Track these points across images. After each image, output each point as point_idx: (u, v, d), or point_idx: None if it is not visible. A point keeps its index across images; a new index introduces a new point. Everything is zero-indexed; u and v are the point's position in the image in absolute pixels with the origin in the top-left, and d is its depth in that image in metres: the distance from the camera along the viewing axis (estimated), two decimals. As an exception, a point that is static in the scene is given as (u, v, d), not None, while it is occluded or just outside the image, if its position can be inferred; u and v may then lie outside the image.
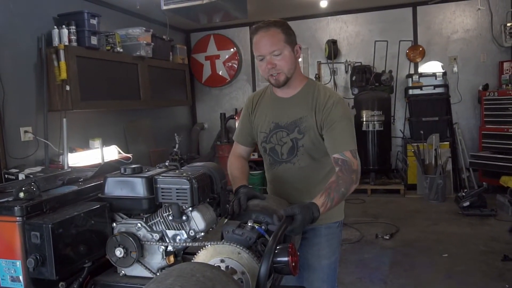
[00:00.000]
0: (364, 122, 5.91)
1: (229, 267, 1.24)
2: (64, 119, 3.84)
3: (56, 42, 3.91)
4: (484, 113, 5.59)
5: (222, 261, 1.25)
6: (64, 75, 3.87)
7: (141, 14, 5.53)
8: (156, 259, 1.43)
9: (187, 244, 1.42)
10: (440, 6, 6.03)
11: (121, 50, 4.59)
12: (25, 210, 1.26)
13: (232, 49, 6.87)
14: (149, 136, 5.86)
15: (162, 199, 1.41)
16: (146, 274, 1.42)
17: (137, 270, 1.43)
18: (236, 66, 6.88)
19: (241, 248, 1.26)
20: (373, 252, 3.91)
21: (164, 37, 5.49)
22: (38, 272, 1.24)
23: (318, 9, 6.02)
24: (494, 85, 5.80)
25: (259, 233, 1.38)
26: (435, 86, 5.84)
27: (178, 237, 1.43)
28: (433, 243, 4.04)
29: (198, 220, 1.41)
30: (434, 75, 5.86)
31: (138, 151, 5.28)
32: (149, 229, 1.43)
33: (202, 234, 1.42)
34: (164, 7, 3.72)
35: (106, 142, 4.42)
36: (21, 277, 1.26)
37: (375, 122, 5.86)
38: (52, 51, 3.91)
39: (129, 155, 4.48)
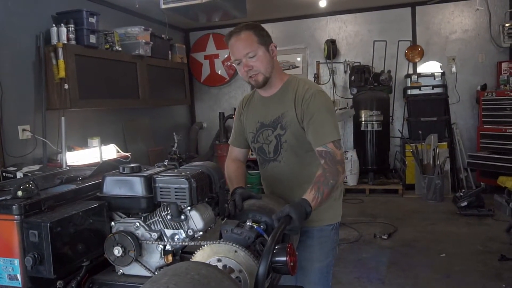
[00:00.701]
0: (363, 122, 5.93)
1: (227, 266, 1.24)
2: (63, 118, 3.84)
3: (54, 40, 3.90)
4: (482, 113, 5.60)
5: (219, 260, 1.25)
6: (62, 73, 3.86)
7: (140, 13, 5.53)
8: (155, 258, 1.43)
9: (186, 243, 1.43)
10: (439, 6, 6.04)
11: (120, 49, 4.58)
12: (23, 209, 1.26)
13: (231, 49, 6.85)
14: (148, 135, 5.85)
15: (161, 198, 1.41)
16: (145, 273, 1.42)
17: (135, 269, 1.43)
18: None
19: (237, 246, 1.26)
20: (371, 251, 3.91)
21: (163, 36, 5.49)
22: (36, 271, 1.24)
23: (317, 9, 6.02)
24: (492, 85, 5.81)
25: (257, 232, 1.39)
26: (434, 86, 5.86)
27: (177, 236, 1.43)
28: (431, 243, 4.04)
29: (196, 220, 1.41)
30: (432, 75, 5.87)
31: (136, 150, 5.28)
32: (147, 228, 1.43)
33: (201, 233, 1.42)
34: (163, 6, 3.72)
35: (104, 141, 4.41)
36: (19, 276, 1.26)
37: (374, 122, 5.87)
38: (51, 49, 3.90)
39: (128, 154, 4.48)
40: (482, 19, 5.92)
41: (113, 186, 1.44)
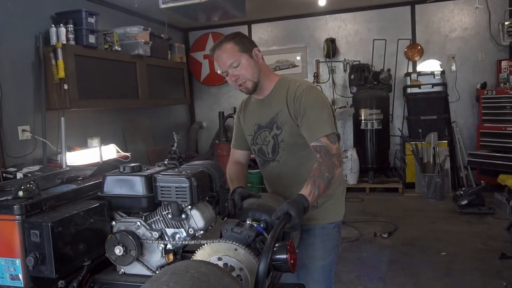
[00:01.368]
0: (363, 121, 5.92)
1: (228, 264, 1.24)
2: (62, 118, 3.84)
3: (54, 40, 3.90)
4: (482, 111, 5.60)
5: (219, 259, 1.26)
6: (62, 73, 3.86)
7: (139, 13, 5.53)
8: (156, 257, 1.43)
9: (186, 242, 1.43)
10: (439, 4, 6.04)
11: (119, 48, 4.58)
12: (24, 209, 1.26)
13: (230, 48, 6.85)
14: (148, 135, 5.86)
15: (162, 197, 1.41)
16: (146, 272, 1.43)
17: (136, 268, 1.43)
18: (234, 65, 6.87)
19: (237, 244, 1.27)
20: (371, 250, 3.92)
21: (162, 35, 5.49)
22: (37, 271, 1.24)
23: (317, 8, 6.01)
24: (492, 83, 5.81)
25: (257, 231, 1.39)
26: (434, 85, 5.86)
27: (178, 235, 1.43)
28: (431, 241, 4.05)
29: (197, 218, 1.41)
30: (432, 73, 5.87)
31: (136, 150, 5.28)
32: (148, 228, 1.43)
33: (201, 232, 1.42)
34: (162, 6, 3.72)
35: (104, 141, 4.41)
36: (20, 276, 1.26)
37: (374, 121, 5.87)
38: (50, 49, 3.90)
39: (128, 154, 4.47)
40: (481, 17, 5.92)
41: (113, 186, 1.44)
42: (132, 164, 1.48)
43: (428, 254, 3.75)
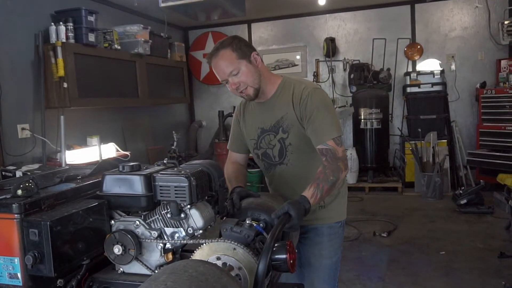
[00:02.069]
0: (362, 120, 5.93)
1: (227, 264, 1.24)
2: (62, 116, 3.83)
3: (53, 39, 3.89)
4: (482, 111, 5.60)
5: (218, 258, 1.26)
6: (61, 72, 3.86)
7: (139, 11, 5.52)
8: (155, 256, 1.43)
9: (186, 241, 1.43)
10: (438, 3, 6.04)
11: (119, 47, 4.57)
12: (23, 207, 1.26)
13: (230, 47, 6.85)
14: (147, 134, 5.85)
15: (161, 196, 1.41)
16: (145, 271, 1.43)
17: (135, 268, 1.43)
18: (234, 64, 6.86)
19: (236, 244, 1.27)
20: (371, 249, 3.92)
21: (162, 34, 5.48)
22: (36, 269, 1.24)
23: (316, 7, 6.01)
24: (492, 83, 5.81)
25: (257, 230, 1.39)
26: (433, 84, 5.85)
27: (177, 235, 1.43)
28: (430, 240, 4.05)
29: (196, 218, 1.41)
30: (432, 73, 5.87)
31: (136, 149, 5.28)
32: (147, 227, 1.43)
33: (201, 231, 1.42)
34: (162, 4, 3.71)
35: (103, 140, 4.40)
36: (19, 274, 1.26)
37: (373, 120, 5.87)
38: (50, 48, 3.89)
39: (127, 153, 4.48)
40: (481, 17, 5.91)
41: (113, 185, 1.44)
42: (132, 163, 1.48)
43: (427, 253, 3.75)
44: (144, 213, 1.46)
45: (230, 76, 1.68)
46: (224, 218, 1.54)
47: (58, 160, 3.89)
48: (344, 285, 3.23)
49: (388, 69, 6.05)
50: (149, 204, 1.42)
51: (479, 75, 5.91)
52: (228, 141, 2.03)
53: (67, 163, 3.76)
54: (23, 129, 3.82)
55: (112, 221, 1.46)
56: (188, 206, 1.40)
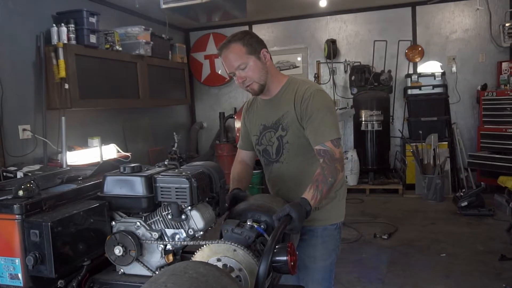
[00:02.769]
0: (363, 122, 5.93)
1: (227, 265, 1.24)
2: (63, 118, 3.84)
3: (55, 40, 3.90)
4: (483, 113, 5.60)
5: (218, 260, 1.26)
6: (63, 73, 3.86)
7: (140, 13, 5.53)
8: (155, 257, 1.43)
9: (186, 243, 1.43)
10: (439, 6, 6.04)
11: (120, 48, 4.58)
12: (24, 208, 1.26)
13: (231, 48, 6.85)
14: (148, 135, 5.86)
15: (162, 198, 1.41)
16: (145, 272, 1.43)
17: (136, 269, 1.43)
18: (235, 65, 6.86)
19: (236, 245, 1.27)
20: (371, 251, 3.91)
21: (163, 35, 5.49)
22: (37, 270, 1.24)
23: (318, 9, 6.02)
24: (493, 85, 5.81)
25: (258, 232, 1.39)
26: (434, 86, 5.85)
27: (177, 236, 1.43)
28: (431, 242, 4.04)
29: (197, 219, 1.41)
30: (433, 75, 5.87)
31: (137, 150, 5.28)
32: (148, 228, 1.43)
33: (201, 233, 1.42)
34: (164, 6, 3.72)
35: (104, 141, 4.41)
36: (20, 275, 1.26)
37: (374, 122, 5.87)
38: (51, 49, 3.90)
39: (128, 154, 4.48)
40: (482, 19, 5.92)
41: (114, 186, 1.44)
42: (132, 165, 1.48)
43: (428, 256, 3.75)
44: (145, 214, 1.46)
45: (238, 69, 1.72)
46: (225, 219, 1.54)
47: (59, 161, 3.90)
48: (344, 287, 3.23)
49: (389, 71, 6.05)
50: (150, 205, 1.43)
51: (480, 77, 5.91)
52: (239, 141, 2.07)
53: (68, 164, 3.76)
54: (24, 130, 3.83)
55: (113, 222, 1.46)
56: (189, 208, 1.40)
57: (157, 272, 1.38)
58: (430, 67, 6.12)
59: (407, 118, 6.11)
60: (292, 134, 1.78)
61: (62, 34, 3.90)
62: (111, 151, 4.45)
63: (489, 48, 5.92)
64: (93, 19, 4.13)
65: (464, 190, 5.29)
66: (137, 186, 1.41)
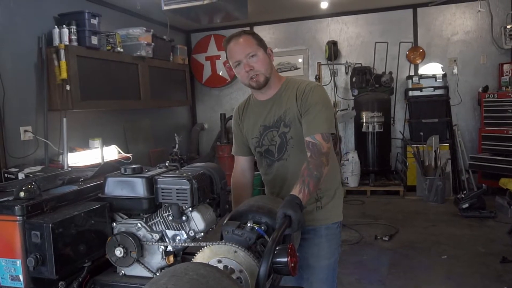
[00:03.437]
0: (364, 124, 5.92)
1: (228, 267, 1.24)
2: (64, 119, 3.84)
3: (56, 41, 3.91)
4: (484, 115, 5.59)
5: (219, 261, 1.26)
6: (64, 74, 3.87)
7: (141, 14, 5.54)
8: (156, 259, 1.43)
9: (187, 244, 1.43)
10: (440, 7, 6.04)
11: (122, 50, 4.59)
12: (25, 210, 1.26)
13: (232, 50, 6.86)
14: (149, 136, 5.86)
15: (162, 199, 1.41)
16: (146, 274, 1.43)
17: (136, 270, 1.43)
18: (236, 67, 6.87)
19: (237, 246, 1.27)
20: (372, 253, 3.91)
21: (164, 37, 5.50)
22: (38, 272, 1.24)
23: (319, 10, 6.02)
24: (494, 87, 5.80)
25: (258, 233, 1.39)
26: (435, 88, 5.85)
27: (178, 237, 1.43)
28: (432, 244, 4.04)
29: (197, 221, 1.41)
30: (434, 76, 5.87)
31: (138, 151, 5.28)
32: (149, 229, 1.44)
33: (202, 234, 1.42)
34: (165, 8, 3.73)
35: (106, 142, 4.42)
36: (21, 276, 1.27)
37: (375, 124, 5.86)
38: (53, 50, 3.91)
39: (129, 155, 4.49)
40: (483, 21, 5.91)
41: (114, 187, 1.45)
42: (133, 166, 1.48)
43: (429, 257, 3.74)
44: (145, 216, 1.46)
45: (247, 57, 1.74)
46: (226, 220, 1.54)
47: (60, 162, 3.90)
48: (345, 288, 3.23)
49: (390, 73, 6.05)
50: (150, 206, 1.43)
51: (482, 79, 5.91)
52: (232, 148, 2.05)
53: (69, 165, 3.76)
54: (25, 131, 3.84)
55: (114, 224, 1.46)
56: (190, 209, 1.41)
57: (157, 274, 1.38)
58: (431, 68, 6.12)
59: (408, 119, 6.11)
60: (295, 129, 1.79)
61: (64, 35, 3.90)
62: (112, 152, 4.45)
63: (490, 50, 5.92)
64: (94, 21, 4.14)
65: (465, 192, 5.28)
66: (138, 188, 1.41)
